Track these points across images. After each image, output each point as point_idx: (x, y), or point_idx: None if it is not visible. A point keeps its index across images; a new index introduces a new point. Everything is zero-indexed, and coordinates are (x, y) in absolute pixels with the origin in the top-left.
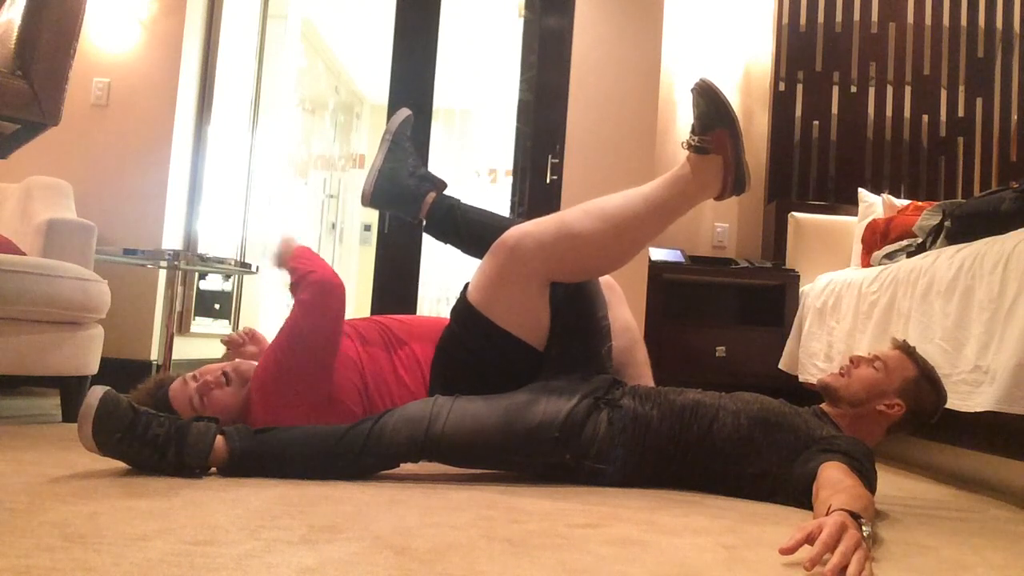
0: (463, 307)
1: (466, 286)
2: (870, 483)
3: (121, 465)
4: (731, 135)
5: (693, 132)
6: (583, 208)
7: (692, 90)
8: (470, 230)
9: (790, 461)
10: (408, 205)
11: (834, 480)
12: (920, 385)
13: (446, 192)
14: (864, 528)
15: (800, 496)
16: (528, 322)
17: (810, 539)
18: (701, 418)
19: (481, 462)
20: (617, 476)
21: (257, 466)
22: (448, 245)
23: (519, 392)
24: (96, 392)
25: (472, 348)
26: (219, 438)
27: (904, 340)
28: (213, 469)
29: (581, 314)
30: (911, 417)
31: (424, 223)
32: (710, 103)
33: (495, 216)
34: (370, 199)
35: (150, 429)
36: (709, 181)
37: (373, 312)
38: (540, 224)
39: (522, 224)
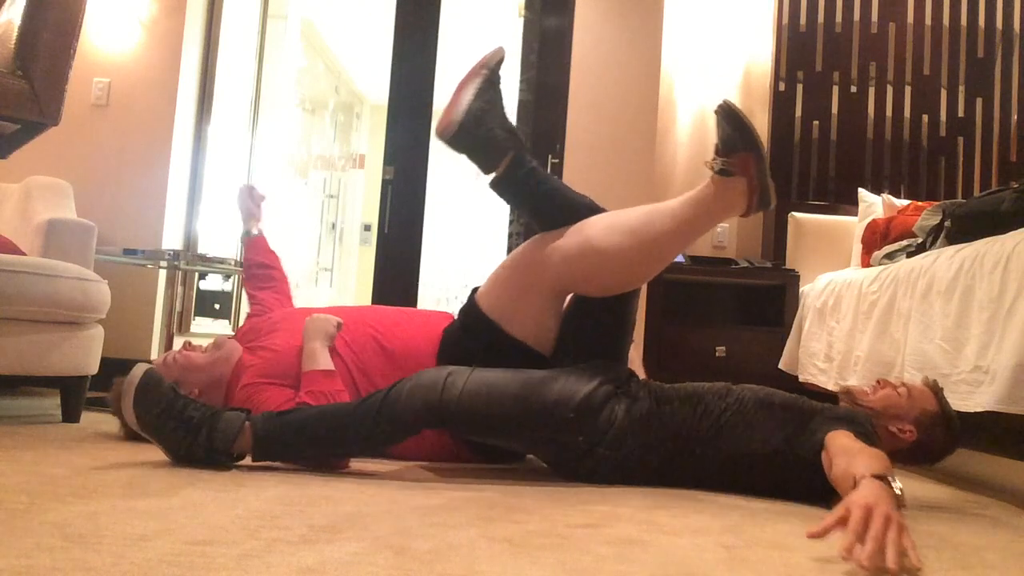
0: (472, 312)
1: (474, 291)
2: (874, 445)
3: (121, 465)
4: (756, 158)
5: (717, 154)
6: (607, 223)
7: (716, 112)
8: (542, 203)
9: (798, 435)
10: (487, 156)
11: (846, 447)
12: (936, 421)
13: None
14: (895, 485)
15: (811, 472)
16: (541, 332)
17: (841, 524)
18: (709, 407)
19: (495, 433)
20: (626, 465)
21: (280, 446)
22: (511, 206)
23: (538, 371)
24: (140, 368)
25: (476, 354)
26: (246, 425)
27: (935, 380)
28: (245, 459)
29: (608, 332)
30: (917, 448)
31: (495, 179)
32: (734, 126)
33: (568, 193)
34: (452, 135)
35: (186, 411)
36: (734, 201)
37: None
38: (566, 239)
39: (546, 236)
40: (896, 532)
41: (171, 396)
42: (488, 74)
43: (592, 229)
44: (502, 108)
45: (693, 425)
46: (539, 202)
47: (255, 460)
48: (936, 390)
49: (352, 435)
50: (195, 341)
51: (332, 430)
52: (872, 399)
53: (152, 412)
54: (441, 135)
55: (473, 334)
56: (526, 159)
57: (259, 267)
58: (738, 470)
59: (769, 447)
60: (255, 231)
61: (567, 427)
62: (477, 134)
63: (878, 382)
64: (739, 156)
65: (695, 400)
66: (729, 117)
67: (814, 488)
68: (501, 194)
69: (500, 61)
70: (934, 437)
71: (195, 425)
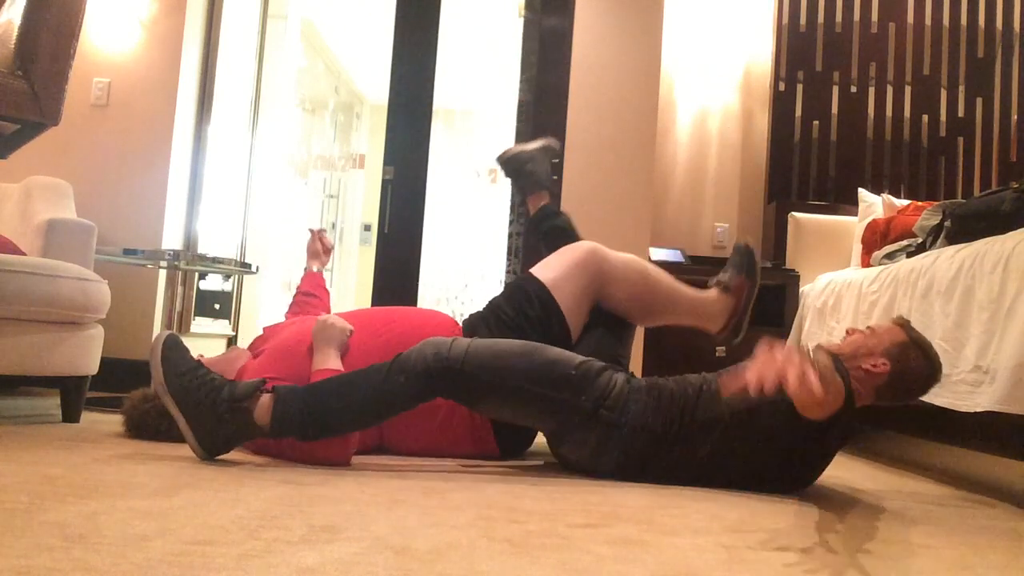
0: (529, 279)
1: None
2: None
3: (121, 465)
4: (749, 288)
5: (724, 271)
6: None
7: (736, 245)
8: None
9: None
10: (529, 184)
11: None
12: (908, 349)
13: None
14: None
15: (772, 419)
16: (575, 310)
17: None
18: (692, 382)
19: (500, 390)
20: (631, 430)
21: (299, 405)
22: (540, 237)
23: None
24: (163, 332)
25: (524, 311)
26: (266, 396)
27: (901, 316)
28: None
29: (611, 343)
30: (897, 379)
31: (532, 213)
32: (746, 260)
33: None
34: (507, 159)
35: (209, 375)
36: (720, 312)
37: None
38: (620, 252)
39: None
40: (797, 361)
41: (195, 363)
42: (548, 145)
43: (640, 257)
44: (549, 167)
45: (681, 393)
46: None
47: (272, 429)
48: (902, 323)
49: (365, 386)
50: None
51: (347, 384)
52: (841, 346)
53: (179, 369)
54: (499, 157)
55: (525, 292)
56: (555, 205)
57: (305, 295)
58: (731, 432)
59: (750, 403)
60: (315, 268)
61: (569, 384)
62: (524, 167)
63: (848, 332)
64: (740, 280)
65: (680, 379)
66: (746, 253)
67: (788, 437)
68: (536, 225)
69: (555, 148)
70: (910, 365)
71: (217, 384)
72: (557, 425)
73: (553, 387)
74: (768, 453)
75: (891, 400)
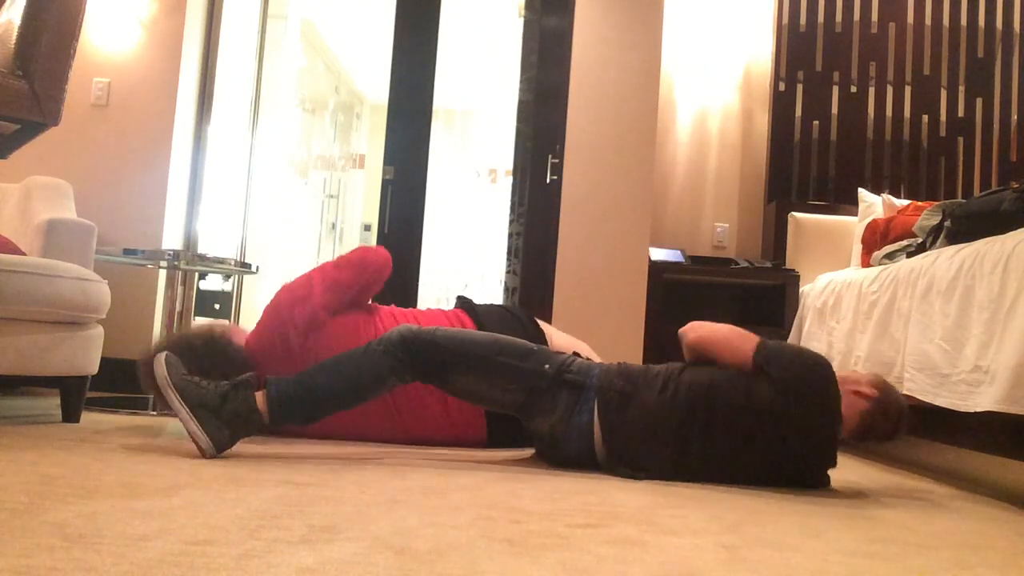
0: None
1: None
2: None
3: (121, 465)
4: None
5: None
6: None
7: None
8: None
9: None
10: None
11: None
12: (889, 387)
13: None
14: None
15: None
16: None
17: None
18: (675, 366)
19: (472, 362)
20: (601, 392)
21: (292, 391)
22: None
23: None
24: (161, 354)
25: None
26: (260, 393)
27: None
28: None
29: None
30: (882, 407)
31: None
32: None
33: None
34: None
35: (208, 373)
36: None
37: None
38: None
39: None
40: None
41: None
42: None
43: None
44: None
45: (661, 366)
46: None
47: (271, 414)
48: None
49: (350, 363)
50: None
51: (333, 362)
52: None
53: (180, 371)
54: None
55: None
56: None
57: None
58: (702, 390)
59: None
60: None
61: (532, 354)
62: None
63: None
64: None
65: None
66: None
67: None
68: None
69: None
70: (892, 397)
71: (218, 377)
72: (526, 395)
73: (517, 357)
74: (744, 410)
75: (871, 430)
